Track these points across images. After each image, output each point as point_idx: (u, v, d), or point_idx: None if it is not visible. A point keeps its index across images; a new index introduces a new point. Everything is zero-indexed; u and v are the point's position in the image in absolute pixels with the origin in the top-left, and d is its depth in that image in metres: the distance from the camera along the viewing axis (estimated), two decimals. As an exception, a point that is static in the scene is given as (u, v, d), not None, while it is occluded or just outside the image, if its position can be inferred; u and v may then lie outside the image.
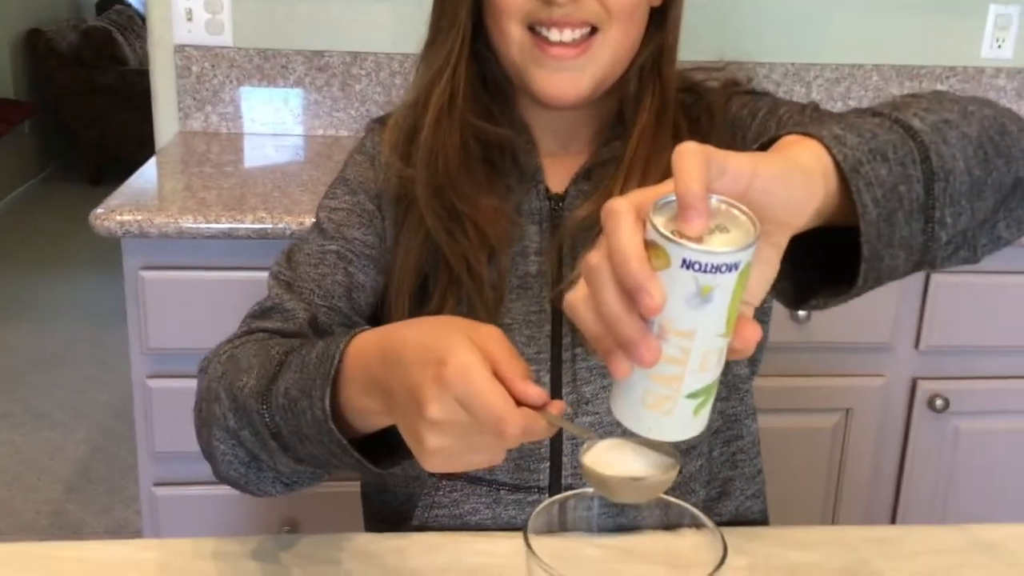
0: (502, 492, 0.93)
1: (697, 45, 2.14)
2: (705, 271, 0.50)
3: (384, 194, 0.96)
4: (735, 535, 0.89)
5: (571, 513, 0.63)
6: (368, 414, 0.70)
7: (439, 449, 0.61)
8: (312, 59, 2.16)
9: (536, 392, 0.60)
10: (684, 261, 0.50)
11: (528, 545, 0.55)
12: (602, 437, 0.61)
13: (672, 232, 0.50)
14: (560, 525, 0.63)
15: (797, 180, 0.56)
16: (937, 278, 1.76)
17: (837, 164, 0.58)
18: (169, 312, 1.66)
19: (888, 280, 0.64)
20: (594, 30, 0.88)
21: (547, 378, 0.92)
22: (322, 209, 0.98)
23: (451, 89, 0.92)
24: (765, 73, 2.24)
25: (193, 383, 1.73)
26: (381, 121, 1.02)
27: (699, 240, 0.51)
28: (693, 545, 0.59)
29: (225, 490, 0.87)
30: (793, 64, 2.25)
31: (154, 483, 1.77)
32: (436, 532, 0.90)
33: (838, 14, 2.24)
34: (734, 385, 0.98)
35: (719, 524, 0.60)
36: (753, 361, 1.02)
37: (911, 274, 0.66)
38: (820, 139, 0.59)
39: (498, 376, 0.60)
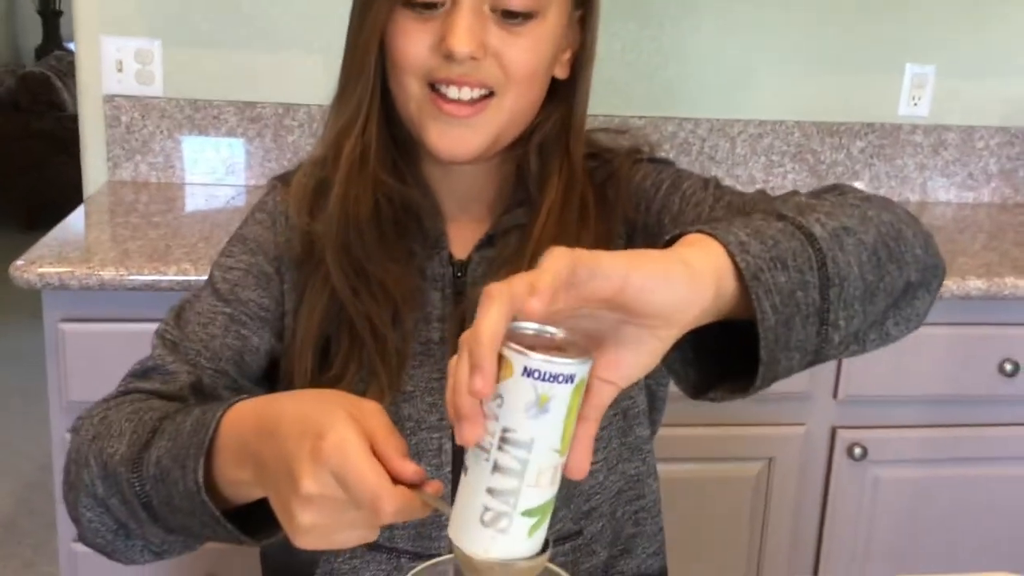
0: (403, 560, 0.93)
1: (625, 101, 2.20)
2: (543, 379, 0.54)
3: (284, 256, 0.94)
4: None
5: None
6: (241, 485, 0.69)
7: (312, 526, 0.60)
8: (244, 110, 2.16)
9: (413, 470, 0.60)
10: (525, 369, 0.54)
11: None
12: None
13: (522, 347, 0.54)
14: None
15: (678, 280, 0.58)
16: (854, 329, 1.81)
17: (739, 270, 0.61)
18: (90, 365, 1.64)
19: (784, 377, 0.66)
20: (491, 93, 0.88)
21: (448, 445, 0.92)
22: (217, 267, 0.95)
23: (362, 144, 0.91)
24: (691, 128, 2.29)
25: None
26: (283, 179, 1.00)
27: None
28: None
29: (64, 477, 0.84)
30: (718, 120, 2.30)
31: (73, 539, 1.74)
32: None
33: (761, 72, 2.31)
34: (636, 446, 0.99)
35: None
36: (653, 422, 1.03)
37: (805, 370, 0.68)
38: (725, 244, 0.62)
39: (376, 453, 0.59)
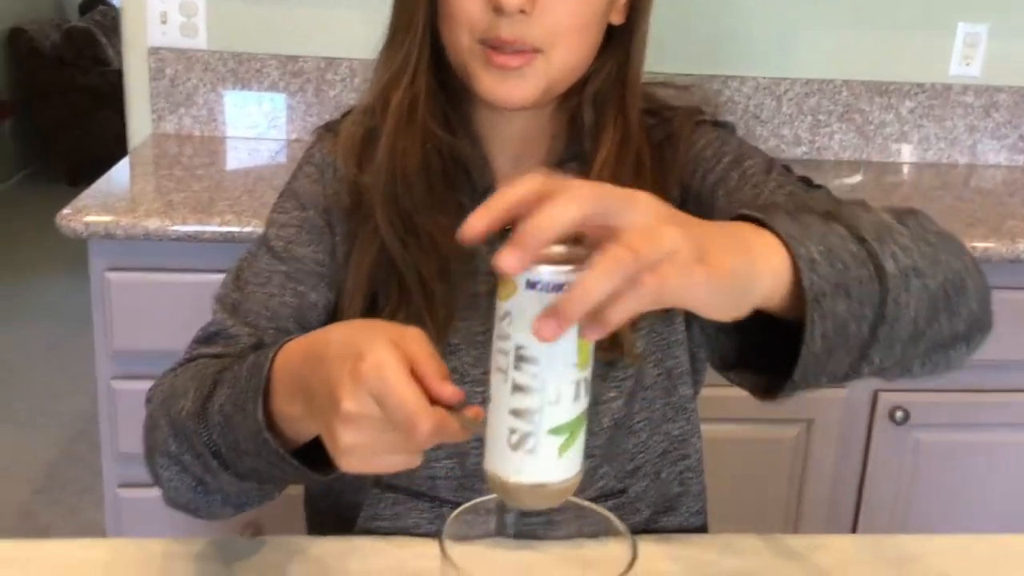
0: (444, 509, 0.93)
1: (665, 59, 2.16)
2: (548, 291, 0.52)
3: (334, 208, 0.94)
4: (672, 542, 0.91)
5: (487, 519, 0.64)
6: (295, 421, 0.70)
7: (353, 446, 0.61)
8: (287, 64, 2.16)
9: (451, 391, 0.60)
10: (528, 282, 0.52)
11: (443, 550, 0.56)
12: None
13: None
14: (477, 531, 0.63)
15: (723, 296, 0.57)
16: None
17: (801, 286, 0.61)
18: (135, 314, 1.66)
19: (801, 392, 0.68)
20: (536, 51, 0.86)
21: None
22: (271, 224, 0.96)
23: (411, 95, 0.90)
24: (736, 87, 2.26)
25: (158, 385, 1.73)
26: (330, 128, 0.99)
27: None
28: (606, 548, 0.60)
29: (143, 441, 0.86)
30: (764, 78, 2.27)
31: (119, 485, 1.77)
32: (380, 537, 0.90)
33: (808, 29, 2.27)
34: (680, 406, 0.99)
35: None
36: (696, 382, 1.02)
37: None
38: (796, 257, 0.62)
39: (416, 375, 0.60)
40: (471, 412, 0.61)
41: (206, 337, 0.91)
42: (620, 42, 0.92)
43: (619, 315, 0.52)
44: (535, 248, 0.52)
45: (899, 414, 1.83)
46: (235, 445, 0.74)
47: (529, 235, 0.52)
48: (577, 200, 0.53)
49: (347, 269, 0.93)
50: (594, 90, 0.92)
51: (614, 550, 0.59)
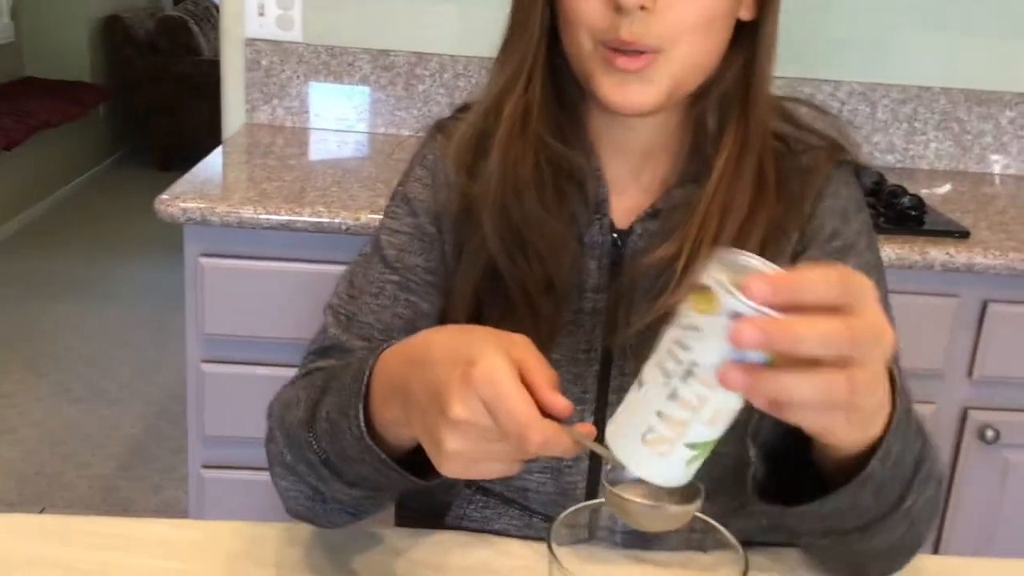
0: (534, 519, 0.93)
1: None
2: None
3: (445, 214, 0.92)
4: (763, 554, 0.89)
5: (596, 524, 0.64)
6: (393, 425, 0.70)
7: (457, 452, 0.61)
8: (378, 58, 2.19)
9: (563, 404, 0.59)
10: (730, 312, 0.51)
11: (551, 550, 0.56)
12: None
13: (730, 287, 0.52)
14: (585, 534, 0.63)
15: (856, 424, 0.61)
16: (995, 307, 1.74)
17: (864, 465, 0.67)
18: (226, 299, 1.70)
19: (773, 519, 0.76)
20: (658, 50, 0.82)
21: (591, 419, 0.90)
22: (384, 229, 0.94)
23: (526, 102, 0.87)
24: (830, 91, 2.22)
25: (244, 370, 1.77)
26: (442, 127, 0.97)
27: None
28: (716, 561, 0.59)
29: (265, 452, 0.88)
30: (859, 83, 2.22)
31: (202, 465, 1.82)
32: (468, 532, 0.91)
33: (907, 33, 2.21)
34: None
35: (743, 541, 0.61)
36: None
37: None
38: (882, 443, 0.66)
39: (526, 383, 0.59)
40: (583, 429, 0.60)
41: (321, 350, 0.90)
42: (748, 40, 0.87)
43: (793, 393, 0.53)
44: (784, 298, 0.52)
45: (989, 433, 1.78)
46: (342, 452, 0.74)
47: (783, 332, 0.51)
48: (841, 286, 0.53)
49: (455, 277, 0.91)
50: (720, 92, 0.87)
51: (724, 561, 0.58)
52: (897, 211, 1.81)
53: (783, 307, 0.51)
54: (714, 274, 0.52)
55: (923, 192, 1.98)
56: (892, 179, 1.97)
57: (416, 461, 0.71)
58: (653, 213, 0.90)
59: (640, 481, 0.59)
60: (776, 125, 0.91)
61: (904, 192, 1.85)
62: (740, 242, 0.85)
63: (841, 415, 0.56)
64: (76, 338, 3.54)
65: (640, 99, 0.82)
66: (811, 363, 0.52)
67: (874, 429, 0.65)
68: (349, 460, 0.74)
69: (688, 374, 0.54)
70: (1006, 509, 1.85)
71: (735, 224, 0.85)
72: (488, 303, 0.88)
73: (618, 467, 0.59)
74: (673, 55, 0.81)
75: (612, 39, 0.81)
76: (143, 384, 3.21)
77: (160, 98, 5.49)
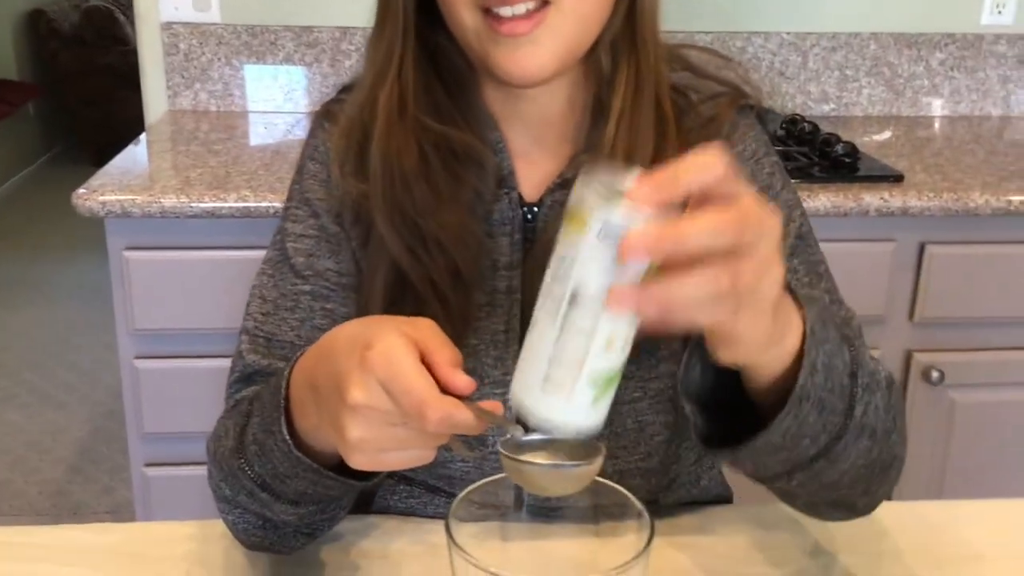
0: None
1: (686, 17, 2.12)
2: (621, 238, 0.50)
3: (345, 211, 0.87)
4: (696, 514, 0.88)
5: (499, 500, 0.62)
6: (314, 430, 0.68)
7: (361, 440, 0.59)
8: (301, 35, 2.13)
9: (464, 381, 0.58)
10: (601, 228, 0.49)
11: (448, 532, 0.54)
12: (528, 432, 0.59)
13: (595, 203, 0.50)
14: (487, 514, 0.61)
15: (757, 333, 0.59)
16: (932, 249, 1.74)
17: (794, 379, 0.64)
18: (154, 293, 1.65)
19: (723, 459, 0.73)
20: (546, 2, 0.79)
21: (503, 413, 0.88)
22: (286, 235, 0.89)
23: (399, 88, 0.82)
24: (760, 43, 2.20)
25: (179, 363, 1.73)
26: (329, 115, 0.91)
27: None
28: (623, 528, 0.57)
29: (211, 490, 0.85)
30: (789, 33, 2.21)
31: (145, 463, 1.78)
32: (397, 516, 0.88)
33: (834, -19, 2.20)
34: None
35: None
36: None
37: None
38: (804, 354, 0.64)
39: (427, 364, 0.58)
40: (488, 405, 0.58)
41: (245, 377, 0.86)
42: None
43: (679, 294, 0.51)
44: (668, 192, 0.50)
45: (934, 374, 1.79)
46: (274, 471, 0.72)
47: (669, 234, 0.50)
48: (720, 166, 0.52)
49: (363, 276, 0.87)
50: (611, 37, 0.84)
51: (630, 527, 0.57)
52: (831, 159, 1.80)
53: (681, 189, 0.51)
54: (574, 195, 0.51)
55: (862, 140, 1.98)
56: (827, 128, 1.97)
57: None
58: (562, 183, 0.87)
59: (538, 448, 0.58)
60: (673, 78, 0.89)
61: (838, 140, 1.84)
62: None
63: (731, 306, 0.53)
64: (17, 342, 3.45)
65: (535, 63, 0.79)
66: (694, 265, 0.51)
67: (789, 340, 0.64)
68: (283, 478, 0.72)
69: (572, 301, 0.52)
70: (954, 449, 1.87)
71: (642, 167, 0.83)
72: (399, 299, 0.84)
73: (515, 435, 0.58)
74: (562, 6, 0.78)
75: (493, 2, 0.77)
76: (88, 386, 3.14)
77: (90, 91, 5.36)
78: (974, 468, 1.88)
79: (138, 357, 1.69)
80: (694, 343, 0.68)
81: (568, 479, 0.57)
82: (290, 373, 0.70)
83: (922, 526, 0.88)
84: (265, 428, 0.71)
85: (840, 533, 0.85)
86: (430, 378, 0.57)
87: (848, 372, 0.69)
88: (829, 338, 0.67)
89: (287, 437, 0.68)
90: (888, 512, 0.87)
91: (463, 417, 0.57)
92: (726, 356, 0.60)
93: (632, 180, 0.51)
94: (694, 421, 0.71)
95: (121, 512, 2.48)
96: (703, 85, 0.90)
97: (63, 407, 3.01)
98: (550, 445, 0.59)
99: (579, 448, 0.58)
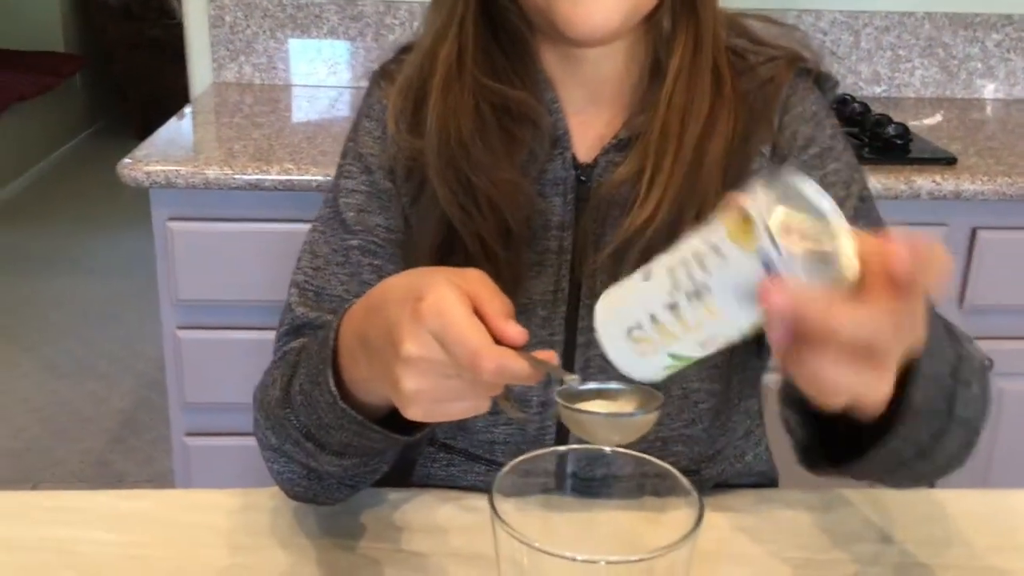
0: None
1: (738, -9, 2.08)
2: (775, 270, 0.49)
3: (398, 168, 0.88)
4: (740, 496, 0.87)
5: (545, 472, 0.61)
6: (364, 382, 0.68)
7: (416, 392, 0.59)
8: (345, 8, 2.13)
9: (517, 331, 0.57)
10: (765, 256, 0.48)
11: (492, 504, 0.53)
12: (584, 380, 0.59)
13: (775, 228, 0.48)
14: (535, 484, 0.60)
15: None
16: (984, 235, 1.70)
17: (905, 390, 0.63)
18: (198, 263, 1.66)
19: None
20: None
21: (560, 362, 0.87)
22: (339, 191, 0.89)
23: (459, 47, 0.83)
24: (812, 21, 2.16)
25: (221, 335, 1.74)
26: (387, 74, 0.92)
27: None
28: (671, 506, 0.56)
29: (255, 440, 0.86)
30: (841, 12, 2.17)
31: (186, 433, 1.79)
32: (437, 490, 0.88)
33: (889, -41, 2.15)
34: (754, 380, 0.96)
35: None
36: (762, 355, 0.96)
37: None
38: (919, 367, 0.63)
39: (479, 315, 0.58)
40: (543, 355, 0.58)
41: (292, 331, 0.87)
42: None
43: (818, 366, 0.51)
44: (807, 320, 0.49)
45: (984, 362, 1.75)
46: (320, 422, 0.72)
47: (818, 315, 0.49)
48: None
49: (413, 233, 0.87)
50: (669, 3, 0.84)
51: (677, 504, 0.55)
52: (882, 140, 1.77)
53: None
54: (760, 202, 0.48)
55: (912, 122, 1.94)
56: (878, 109, 1.93)
57: (400, 418, 0.68)
58: (617, 144, 0.86)
59: (594, 397, 0.58)
60: (731, 40, 0.88)
61: (889, 121, 1.80)
62: (702, 151, 0.82)
63: (861, 384, 0.52)
64: (61, 313, 3.50)
65: (600, 16, 0.78)
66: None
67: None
68: (329, 429, 0.72)
69: (696, 295, 0.51)
70: (1002, 438, 1.83)
71: (696, 128, 0.82)
72: (447, 257, 0.85)
73: (572, 384, 0.59)
74: None
75: None
76: (130, 356, 3.17)
77: (136, 65, 5.40)
78: (1022, 458, 1.85)
79: (180, 328, 1.70)
80: None
81: (626, 428, 0.57)
82: (339, 325, 0.70)
83: (972, 514, 0.86)
84: (312, 379, 0.71)
85: (886, 519, 0.84)
86: (483, 328, 0.57)
87: (950, 371, 0.68)
88: (936, 337, 0.65)
89: (333, 389, 0.68)
90: (937, 498, 0.85)
91: (518, 366, 0.56)
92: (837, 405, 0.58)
93: (832, 212, 0.49)
94: (794, 432, 0.70)
95: (161, 481, 2.51)
96: (761, 49, 0.89)
97: (105, 377, 3.05)
98: (606, 393, 0.59)
99: (636, 396, 0.58)
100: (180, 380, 1.73)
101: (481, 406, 0.60)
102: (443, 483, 0.91)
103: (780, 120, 0.87)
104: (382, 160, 0.89)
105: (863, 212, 0.87)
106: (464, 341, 0.56)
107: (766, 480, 0.97)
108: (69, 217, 4.46)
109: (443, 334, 0.57)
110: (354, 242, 0.87)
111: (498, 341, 0.57)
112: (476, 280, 0.60)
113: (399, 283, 0.63)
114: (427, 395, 0.59)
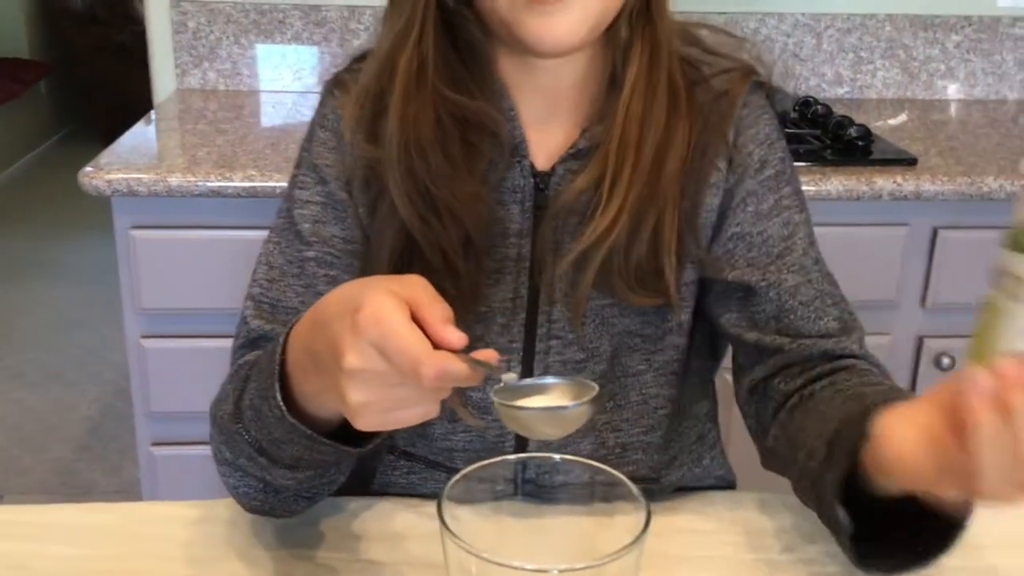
0: None
1: (701, -5, 2.09)
2: None
3: (354, 179, 0.87)
4: (698, 499, 0.87)
5: (491, 481, 0.61)
6: (315, 396, 0.68)
7: (364, 404, 0.59)
8: (309, 13, 2.12)
9: (456, 336, 0.58)
10: None
11: (441, 515, 0.53)
12: (521, 378, 0.60)
13: None
14: (480, 494, 0.60)
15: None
16: (946, 234, 1.72)
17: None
18: (161, 272, 1.65)
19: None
20: None
21: (518, 369, 0.87)
22: (295, 203, 0.88)
23: (419, 56, 0.81)
24: (774, 24, 2.18)
25: (186, 343, 1.72)
26: (340, 84, 0.90)
27: None
28: (619, 511, 0.56)
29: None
30: (804, 14, 2.19)
31: (152, 443, 1.78)
32: (397, 498, 0.87)
33: (850, -38, 2.17)
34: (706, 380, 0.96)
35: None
36: (717, 357, 0.97)
37: None
38: None
39: (418, 321, 0.58)
40: (483, 355, 0.58)
41: (249, 343, 0.86)
42: None
43: None
44: None
45: (945, 360, 1.77)
46: (270, 436, 0.72)
47: None
48: None
49: (370, 243, 0.87)
50: (629, 9, 0.84)
51: (627, 510, 0.56)
52: (844, 142, 1.78)
53: None
54: None
55: (878, 123, 1.96)
56: (841, 111, 1.94)
57: (354, 429, 0.68)
58: (575, 153, 0.86)
59: (532, 394, 0.59)
60: (683, 50, 0.88)
61: (851, 123, 1.82)
62: (661, 161, 0.82)
63: None
64: (27, 321, 3.46)
65: (565, 31, 0.78)
66: None
67: None
68: (279, 443, 0.72)
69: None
70: (965, 436, 1.85)
71: (654, 138, 0.82)
72: (405, 268, 0.84)
73: (508, 382, 0.59)
74: None
75: None
76: (97, 364, 3.15)
77: (102, 70, 5.35)
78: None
79: (144, 336, 1.69)
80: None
81: (562, 420, 0.58)
82: (287, 339, 0.70)
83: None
84: (261, 394, 0.71)
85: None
86: (421, 335, 0.57)
87: None
88: None
89: (281, 403, 0.68)
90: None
91: (458, 369, 0.57)
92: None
93: None
94: (846, 530, 0.70)
95: (130, 491, 2.49)
96: (715, 60, 0.89)
97: (72, 386, 3.02)
98: (542, 388, 0.60)
99: (571, 389, 0.59)
100: (145, 389, 1.72)
101: (431, 411, 0.61)
102: (403, 491, 0.91)
103: (735, 136, 0.87)
104: (338, 170, 0.88)
105: (813, 239, 0.89)
106: (403, 349, 0.56)
107: (724, 483, 0.98)
108: (36, 224, 4.41)
109: (382, 344, 0.57)
110: (310, 253, 0.87)
111: (438, 346, 0.57)
112: (415, 286, 0.60)
113: (339, 295, 0.63)
114: (375, 406, 0.60)
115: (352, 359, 0.58)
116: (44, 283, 3.79)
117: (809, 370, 0.85)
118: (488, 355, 0.59)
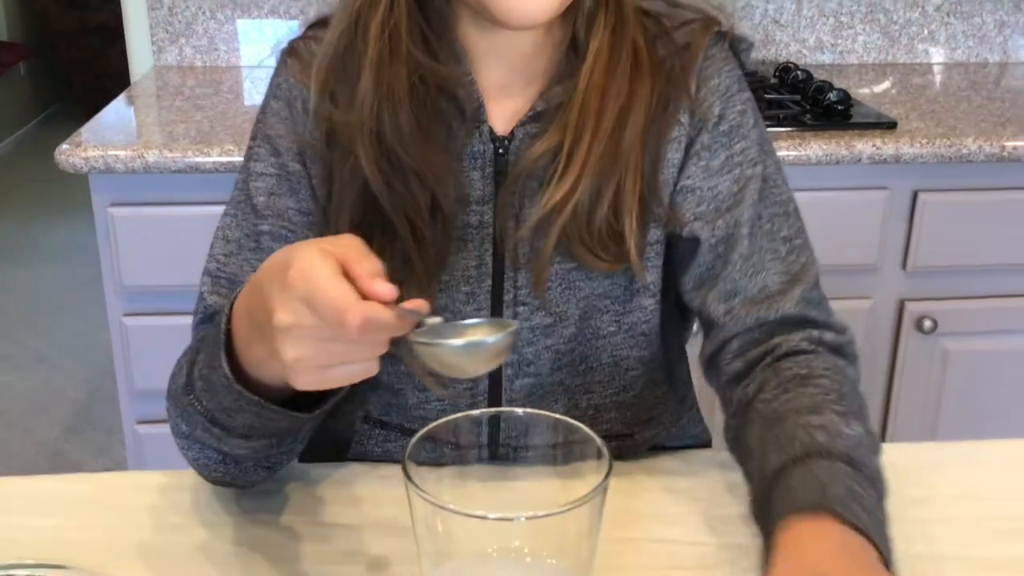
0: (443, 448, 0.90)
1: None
2: None
3: (307, 148, 0.86)
4: (673, 458, 0.88)
5: (457, 444, 0.61)
6: (261, 363, 0.68)
7: (297, 360, 0.60)
8: (286, -13, 2.10)
9: (386, 289, 0.58)
10: None
11: (405, 471, 0.54)
12: (445, 321, 0.60)
13: None
14: (448, 452, 0.61)
15: None
16: (925, 197, 1.72)
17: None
18: (141, 249, 1.64)
19: None
20: None
21: (428, 310, 0.87)
22: (250, 176, 0.87)
23: (393, 20, 0.80)
24: (753, -10, 2.17)
25: (169, 320, 1.72)
26: (294, 52, 0.89)
27: None
28: (583, 465, 0.57)
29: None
30: (783, -20, 2.17)
31: (137, 421, 1.78)
32: (371, 464, 0.88)
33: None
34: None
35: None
36: (686, 318, 0.96)
37: None
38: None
39: (349, 277, 0.59)
40: (413, 304, 0.59)
41: (207, 319, 0.86)
42: None
43: None
44: None
45: (927, 323, 1.78)
46: (221, 405, 0.72)
47: None
48: None
49: (327, 212, 0.86)
50: None
51: (591, 467, 0.56)
52: (824, 107, 1.78)
53: None
54: None
55: (859, 91, 1.96)
56: (823, 77, 1.94)
57: (306, 396, 0.68)
58: (534, 116, 0.85)
59: (452, 335, 0.60)
60: (644, 3, 0.87)
61: (831, 87, 1.82)
62: (622, 126, 0.82)
63: None
64: (13, 303, 3.45)
65: (542, 3, 0.77)
66: None
67: None
68: (230, 412, 0.72)
69: None
70: (947, 397, 1.87)
71: (615, 106, 0.81)
72: (368, 233, 0.81)
73: (429, 322, 0.60)
74: None
75: None
76: (83, 345, 3.14)
77: (82, 51, 5.31)
78: (967, 416, 1.88)
79: (127, 315, 1.69)
80: None
81: (480, 354, 0.58)
82: (231, 308, 0.70)
83: (913, 466, 0.86)
84: (210, 364, 0.71)
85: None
86: (348, 286, 0.58)
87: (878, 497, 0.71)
88: (873, 514, 0.68)
89: (227, 371, 0.69)
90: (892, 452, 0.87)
91: (385, 317, 0.57)
92: None
93: None
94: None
95: (118, 471, 2.49)
96: (676, 13, 0.88)
97: (59, 367, 3.02)
98: (463, 330, 0.60)
99: (491, 328, 0.60)
100: (129, 368, 1.72)
101: (370, 368, 0.61)
102: (380, 459, 0.91)
103: (696, 89, 0.86)
104: (290, 142, 0.86)
105: (767, 193, 0.86)
106: (329, 300, 0.57)
107: (699, 442, 0.99)
108: (20, 206, 4.39)
109: (309, 297, 0.58)
110: (265, 227, 0.86)
111: (368, 298, 0.58)
112: (346, 244, 0.61)
113: (275, 258, 0.63)
114: (309, 361, 0.60)
115: (282, 315, 0.59)
116: (28, 265, 3.78)
117: (748, 351, 0.84)
118: (417, 304, 0.59)
